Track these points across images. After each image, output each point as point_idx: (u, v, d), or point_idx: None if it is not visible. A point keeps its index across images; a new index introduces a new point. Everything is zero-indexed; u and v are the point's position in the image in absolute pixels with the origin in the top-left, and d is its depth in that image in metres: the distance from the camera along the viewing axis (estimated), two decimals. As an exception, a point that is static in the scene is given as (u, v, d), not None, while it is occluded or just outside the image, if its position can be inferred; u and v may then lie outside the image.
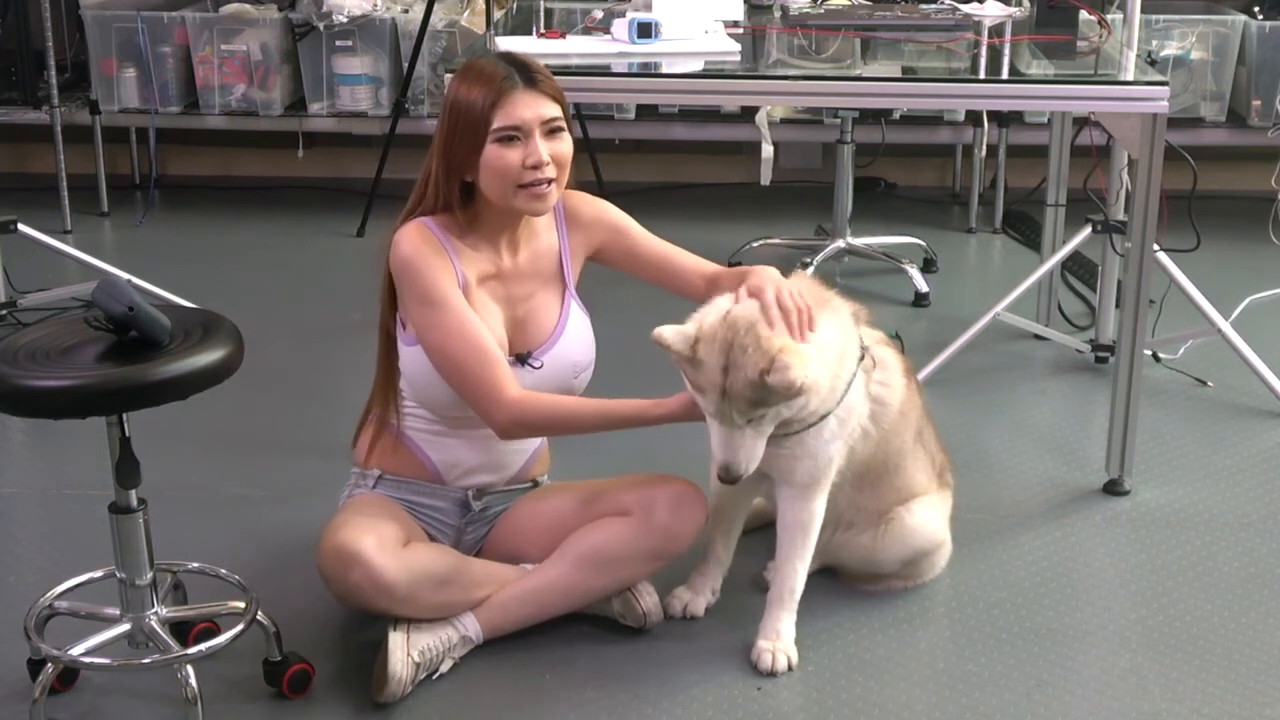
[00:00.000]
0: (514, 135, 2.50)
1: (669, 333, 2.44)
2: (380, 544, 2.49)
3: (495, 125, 2.49)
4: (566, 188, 2.66)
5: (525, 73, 2.53)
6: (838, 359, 2.52)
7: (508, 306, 2.63)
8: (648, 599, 2.68)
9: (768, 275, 2.54)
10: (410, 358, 2.60)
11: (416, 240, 2.54)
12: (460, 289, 2.54)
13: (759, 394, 2.38)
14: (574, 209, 2.72)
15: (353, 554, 2.46)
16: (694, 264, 2.76)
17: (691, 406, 2.49)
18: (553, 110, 2.53)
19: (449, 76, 3.05)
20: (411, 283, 2.52)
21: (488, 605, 2.60)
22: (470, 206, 2.59)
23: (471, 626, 2.59)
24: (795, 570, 2.63)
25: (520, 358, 2.62)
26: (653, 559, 2.64)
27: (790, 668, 2.59)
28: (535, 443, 2.77)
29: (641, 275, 2.78)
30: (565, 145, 2.55)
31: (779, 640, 2.61)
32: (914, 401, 2.76)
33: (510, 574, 2.65)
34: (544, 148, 2.51)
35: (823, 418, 2.54)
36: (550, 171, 2.52)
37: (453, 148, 2.53)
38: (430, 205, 2.59)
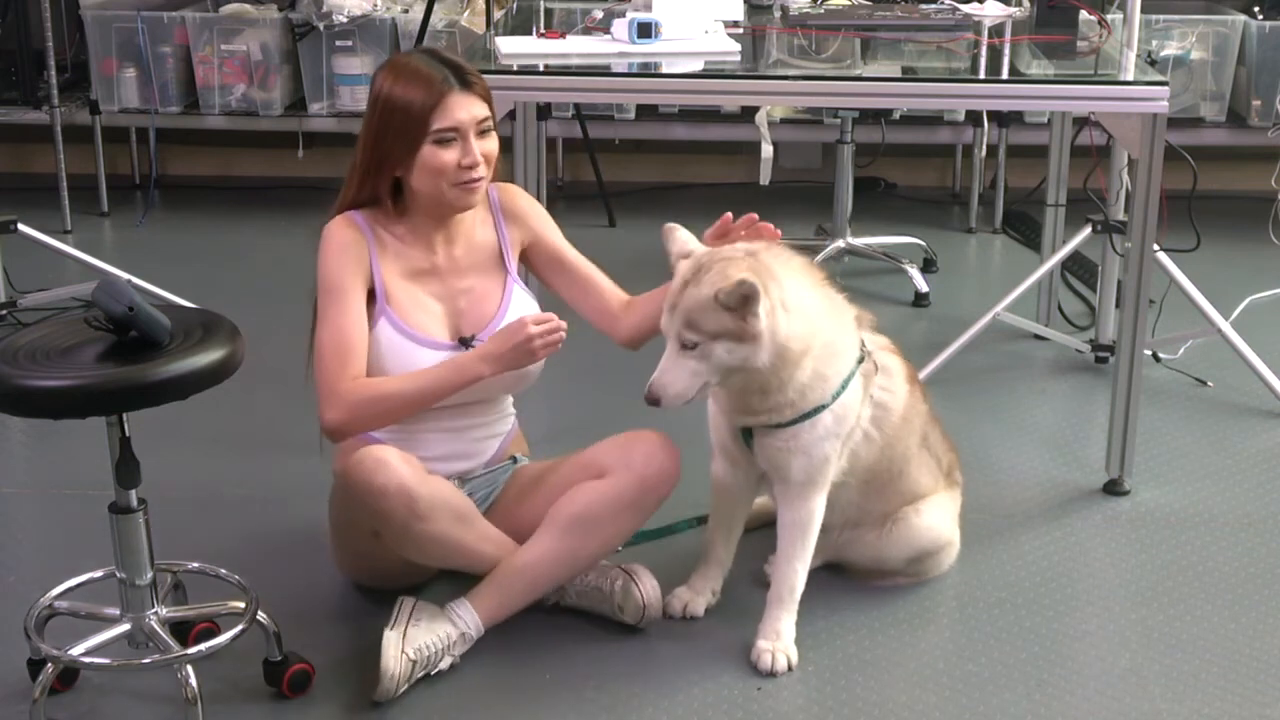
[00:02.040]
0: (451, 137, 2.56)
1: (680, 231, 2.54)
2: (407, 460, 2.53)
3: (434, 127, 2.55)
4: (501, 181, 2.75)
5: (459, 74, 2.59)
6: (817, 328, 2.51)
7: (447, 300, 2.68)
8: (646, 583, 2.68)
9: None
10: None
11: (339, 232, 2.62)
12: (369, 287, 2.60)
13: (700, 315, 2.39)
14: (509, 201, 2.79)
15: (381, 459, 2.50)
16: (611, 287, 2.82)
17: (507, 351, 2.53)
18: (484, 111, 2.61)
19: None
20: (321, 271, 2.60)
21: (481, 592, 2.61)
22: (399, 203, 2.65)
23: (470, 620, 2.59)
24: (795, 570, 2.64)
25: (464, 341, 2.66)
26: (634, 511, 2.65)
27: (790, 668, 2.59)
28: (506, 427, 2.82)
29: (560, 286, 2.82)
30: (493, 143, 2.63)
31: (779, 640, 2.61)
32: (918, 408, 2.76)
33: (512, 543, 2.66)
34: (476, 147, 2.58)
35: (818, 410, 2.55)
36: (482, 170, 2.60)
37: (385, 144, 2.60)
38: (355, 199, 2.65)
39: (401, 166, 2.60)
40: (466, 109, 2.57)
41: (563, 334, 2.54)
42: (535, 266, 2.82)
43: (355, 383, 2.56)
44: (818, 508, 2.64)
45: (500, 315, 2.70)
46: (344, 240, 2.61)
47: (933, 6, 3.89)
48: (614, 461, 2.65)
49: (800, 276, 2.51)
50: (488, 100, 2.62)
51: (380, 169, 2.62)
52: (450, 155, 2.57)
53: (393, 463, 2.50)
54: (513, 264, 2.75)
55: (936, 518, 2.83)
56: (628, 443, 2.68)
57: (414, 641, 2.51)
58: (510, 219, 2.78)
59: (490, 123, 2.62)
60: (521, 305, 2.73)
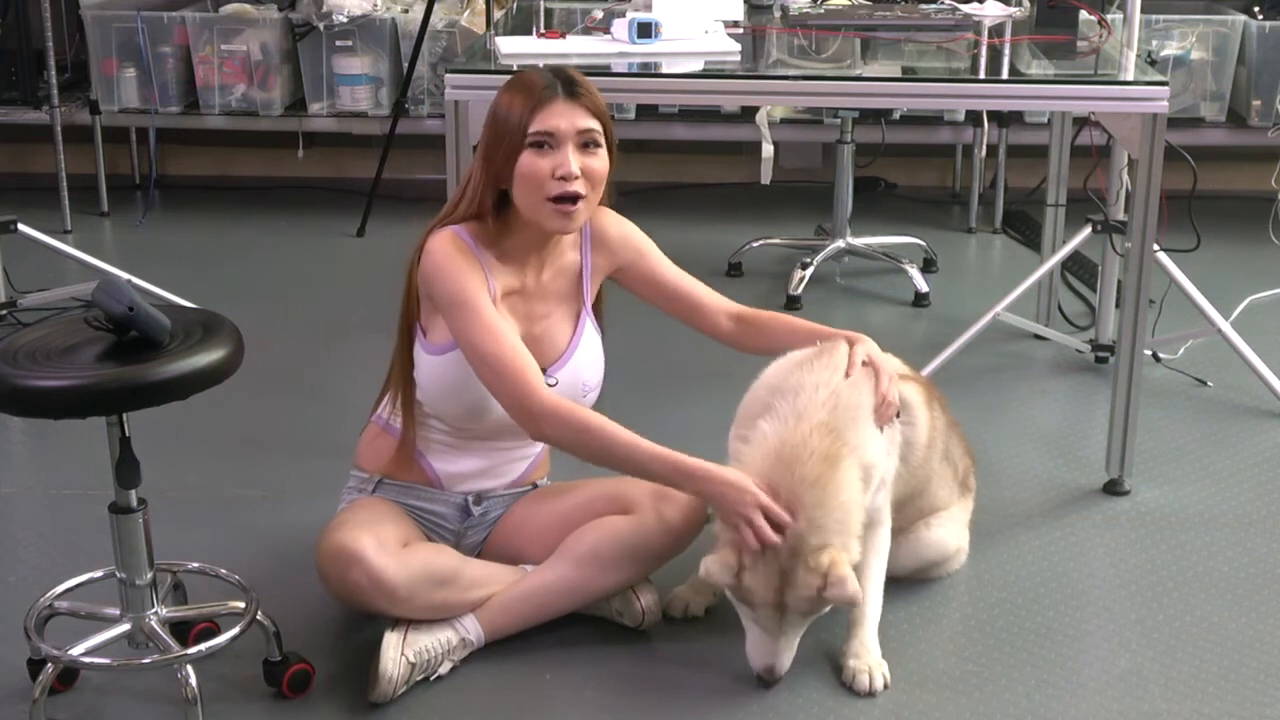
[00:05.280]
0: (546, 141, 2.49)
1: (715, 569, 2.44)
2: (380, 543, 2.49)
3: (531, 129, 2.48)
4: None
5: (568, 85, 2.52)
6: (855, 472, 2.50)
7: (525, 323, 2.61)
8: (647, 596, 2.68)
9: (876, 352, 2.62)
10: (427, 366, 2.60)
11: (449, 246, 2.53)
12: (490, 297, 2.53)
13: (816, 606, 2.44)
14: (601, 227, 2.70)
15: (352, 553, 2.47)
16: (717, 301, 2.77)
17: (716, 496, 2.44)
18: (589, 123, 2.52)
19: (450, 76, 3.07)
20: (444, 287, 2.51)
21: (488, 606, 2.60)
22: (502, 217, 2.58)
23: (472, 628, 2.59)
24: (870, 589, 2.62)
25: None
26: (654, 558, 2.64)
27: (886, 684, 2.55)
28: (537, 449, 2.77)
29: (660, 305, 2.77)
30: (599, 161, 2.54)
31: (869, 656, 2.58)
32: (937, 427, 2.75)
33: (510, 575, 2.65)
34: (576, 160, 2.50)
35: None
36: (580, 186, 2.50)
37: (493, 155, 2.53)
38: (464, 212, 2.57)
39: (506, 178, 2.52)
40: (567, 117, 2.49)
41: (766, 544, 2.40)
42: (630, 288, 2.76)
43: (566, 403, 2.50)
44: (883, 536, 2.64)
45: (570, 352, 2.65)
46: (457, 252, 2.52)
47: (933, 6, 3.90)
48: (645, 504, 2.62)
49: (829, 473, 2.45)
50: (599, 116, 2.53)
51: (487, 181, 2.54)
52: (545, 163, 2.48)
53: (365, 553, 2.46)
54: (589, 296, 2.70)
55: (947, 531, 2.85)
56: (661, 490, 2.61)
57: (414, 644, 2.51)
58: (598, 245, 2.70)
59: (596, 136, 2.52)
60: (590, 344, 2.69)
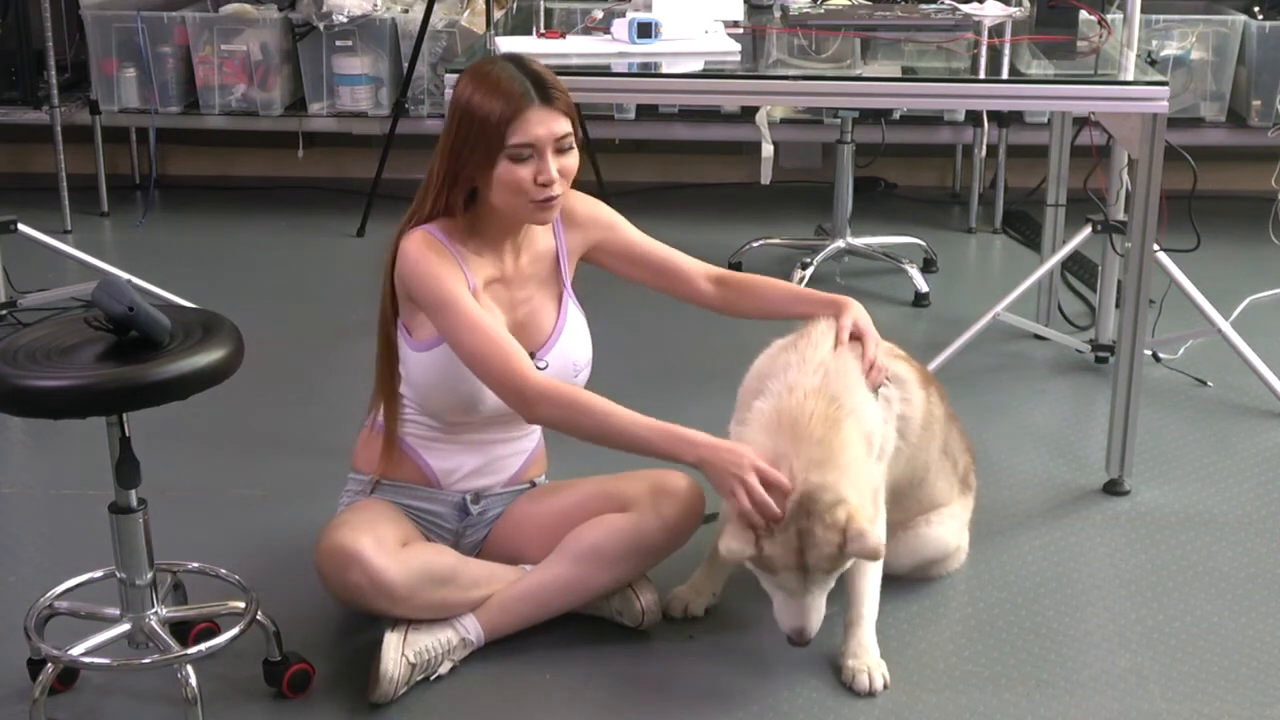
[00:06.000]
0: (527, 153, 2.49)
1: (734, 543, 2.41)
2: (378, 543, 2.49)
3: (510, 142, 2.48)
4: None
5: (541, 88, 2.51)
6: (868, 458, 2.52)
7: (509, 310, 2.63)
8: (647, 596, 2.68)
9: (863, 318, 2.63)
10: (415, 363, 2.60)
11: (422, 246, 2.53)
12: (470, 291, 2.54)
13: (838, 562, 2.42)
14: (569, 207, 2.71)
15: (351, 553, 2.47)
16: (697, 265, 2.79)
17: (715, 464, 2.41)
18: (565, 127, 2.52)
19: (450, 76, 3.06)
20: (423, 288, 2.52)
21: (488, 605, 2.60)
22: (471, 210, 2.59)
23: (472, 628, 2.59)
24: (867, 588, 2.62)
25: None
26: (652, 554, 2.64)
27: (886, 684, 2.56)
28: (532, 444, 2.78)
29: (640, 277, 2.78)
30: (572, 159, 2.55)
31: (867, 656, 2.58)
32: (935, 413, 2.75)
33: (509, 574, 2.65)
34: (554, 164, 2.51)
35: None
36: (558, 189, 2.52)
37: (462, 156, 2.52)
38: (432, 210, 2.58)
39: (479, 179, 2.53)
40: (545, 124, 2.49)
41: (768, 517, 2.38)
42: (606, 265, 2.77)
43: (559, 384, 2.51)
44: (879, 528, 2.63)
45: (557, 333, 2.66)
46: (431, 253, 2.52)
47: (933, 6, 3.90)
48: (641, 502, 2.62)
49: (832, 433, 2.45)
50: (570, 115, 2.52)
51: (457, 180, 2.54)
52: (525, 171, 2.49)
53: (363, 553, 2.47)
54: (568, 276, 2.71)
55: (947, 528, 2.84)
56: (659, 486, 2.63)
57: (414, 644, 2.51)
58: (570, 225, 2.71)
59: (570, 139, 2.52)
60: (576, 323, 2.70)
